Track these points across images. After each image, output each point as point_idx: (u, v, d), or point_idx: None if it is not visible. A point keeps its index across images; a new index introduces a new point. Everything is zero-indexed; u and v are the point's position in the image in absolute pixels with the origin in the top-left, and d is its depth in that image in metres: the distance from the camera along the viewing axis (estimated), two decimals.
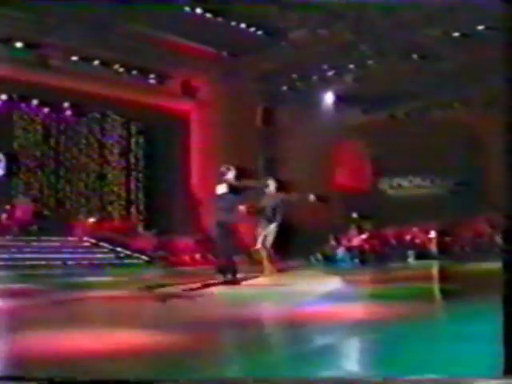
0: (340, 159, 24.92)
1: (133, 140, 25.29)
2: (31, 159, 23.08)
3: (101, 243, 19.80)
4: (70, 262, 17.84)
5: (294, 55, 20.13)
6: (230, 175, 10.23)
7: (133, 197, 25.10)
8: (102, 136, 24.77)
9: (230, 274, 9.31)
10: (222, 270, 9.40)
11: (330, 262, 21.47)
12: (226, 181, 9.70)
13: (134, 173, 25.23)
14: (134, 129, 25.25)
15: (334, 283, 8.32)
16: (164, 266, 19.14)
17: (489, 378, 2.28)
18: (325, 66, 20.51)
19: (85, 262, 18.26)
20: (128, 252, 19.78)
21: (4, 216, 19.54)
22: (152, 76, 21.49)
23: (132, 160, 25.30)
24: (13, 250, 17.66)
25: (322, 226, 22.71)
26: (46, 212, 22.60)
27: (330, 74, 20.83)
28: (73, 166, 24.15)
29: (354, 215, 24.82)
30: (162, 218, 23.40)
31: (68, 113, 23.44)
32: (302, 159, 23.69)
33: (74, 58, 19.17)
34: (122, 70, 20.33)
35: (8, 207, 19.94)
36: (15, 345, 3.80)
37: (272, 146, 24.25)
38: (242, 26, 18.81)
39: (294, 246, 22.31)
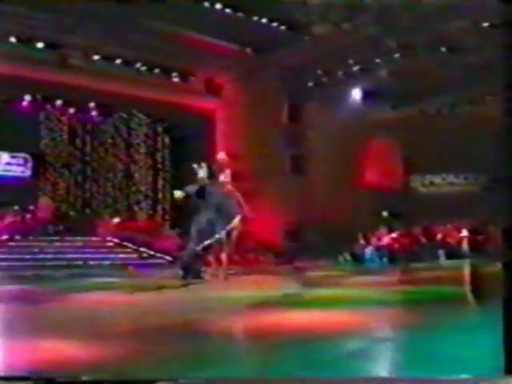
0: (369, 156, 24.28)
1: (159, 139, 25.16)
2: (57, 160, 23.14)
3: (124, 243, 19.65)
4: (91, 262, 17.73)
5: (318, 50, 19.64)
6: (202, 173, 9.69)
7: (160, 196, 24.97)
8: (128, 136, 24.72)
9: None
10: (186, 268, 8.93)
11: (358, 262, 20.96)
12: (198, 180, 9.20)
13: (160, 172, 25.10)
14: (160, 128, 25.12)
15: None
16: None
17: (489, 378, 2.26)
18: (350, 61, 19.93)
19: (107, 262, 18.14)
20: (151, 252, 19.58)
21: (28, 216, 19.55)
22: (175, 74, 21.24)
23: (158, 159, 25.18)
24: (35, 250, 17.63)
25: (351, 225, 22.21)
26: (71, 212, 22.62)
27: (356, 68, 20.25)
28: (99, 165, 24.16)
29: (385, 214, 24.23)
30: (188, 217, 23.13)
31: (94, 113, 23.45)
32: (330, 156, 23.19)
33: (96, 57, 19.00)
34: (144, 68, 20.07)
35: (31, 207, 19.94)
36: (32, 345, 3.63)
37: (298, 144, 23.77)
38: (264, 21, 18.37)
39: (322, 245, 21.93)
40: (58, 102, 21.81)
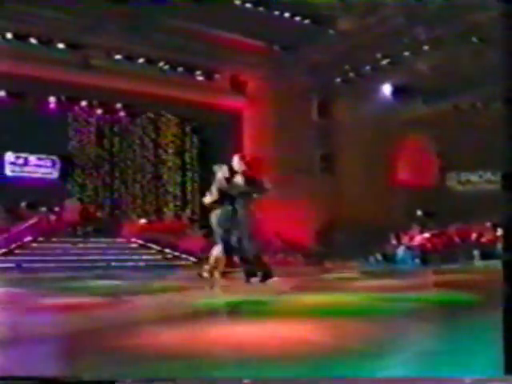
0: (402, 153, 23.54)
1: (187, 139, 24.92)
2: (85, 161, 23.09)
3: (149, 244, 19.42)
4: (114, 264, 17.53)
5: (345, 45, 19.06)
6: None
7: (188, 197, 24.72)
8: (157, 136, 24.54)
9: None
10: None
11: (390, 263, 20.30)
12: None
13: (189, 173, 24.84)
14: (188, 128, 24.87)
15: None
16: None
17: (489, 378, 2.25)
18: (377, 55, 19.26)
19: (130, 264, 17.94)
20: (176, 253, 19.30)
21: (54, 218, 19.50)
22: (201, 73, 20.95)
23: (187, 159, 24.93)
24: (58, 251, 17.54)
25: (383, 225, 21.55)
26: (99, 213, 22.53)
27: (384, 62, 19.56)
28: (128, 166, 24.03)
29: (419, 213, 23.45)
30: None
31: (121, 113, 23.35)
32: (361, 155, 22.58)
33: (118, 57, 18.83)
34: (167, 67, 19.82)
35: (57, 209, 19.90)
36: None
37: (329, 141, 23.22)
38: (287, 15, 17.91)
39: (353, 246, 21.35)
40: (83, 103, 21.67)
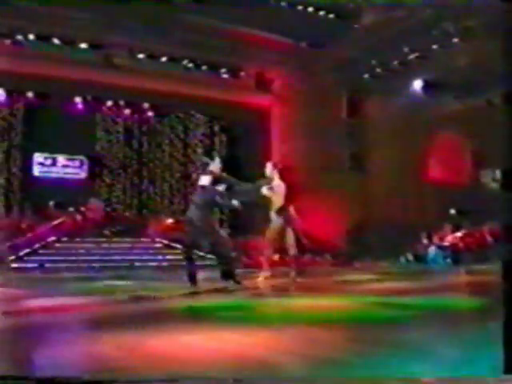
0: (434, 150, 22.85)
1: (216, 139, 24.73)
2: (114, 161, 23.11)
3: (173, 244, 19.25)
4: (137, 264, 17.45)
5: (371, 39, 18.55)
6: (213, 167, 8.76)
7: None
8: (185, 135, 24.42)
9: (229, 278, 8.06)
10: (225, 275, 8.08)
11: (421, 263, 19.75)
12: (211, 172, 8.23)
13: None
14: (216, 127, 24.67)
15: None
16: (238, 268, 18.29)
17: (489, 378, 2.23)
18: (405, 49, 18.68)
19: (153, 264, 17.84)
20: (201, 253, 19.04)
21: (81, 218, 19.52)
22: (225, 71, 20.72)
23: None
24: (81, 251, 17.52)
25: (415, 224, 21.00)
26: (126, 213, 22.54)
27: (412, 57, 18.96)
28: (156, 166, 23.97)
29: (452, 211, 22.75)
30: (243, 217, 22.59)
31: (150, 113, 23.30)
32: (391, 152, 22.01)
33: (141, 56, 18.72)
34: (191, 65, 19.64)
35: (82, 209, 19.91)
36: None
37: (358, 139, 22.73)
38: (311, 9, 17.53)
39: (384, 246, 20.87)
40: (111, 103, 21.68)
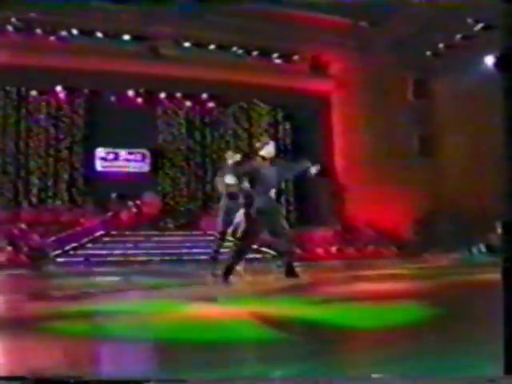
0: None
1: (280, 127, 24.01)
2: (176, 154, 22.97)
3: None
4: (185, 258, 17.16)
5: (430, 13, 17.12)
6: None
7: (282, 187, 23.79)
8: (250, 125, 23.89)
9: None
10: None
11: (494, 254, 18.16)
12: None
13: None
14: (280, 115, 23.93)
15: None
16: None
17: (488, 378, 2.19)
18: (469, 21, 17.05)
19: (204, 257, 17.44)
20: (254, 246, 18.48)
21: (134, 211, 19.52)
22: (278, 56, 19.95)
23: (281, 148, 24.02)
24: (128, 245, 17.46)
25: (488, 212, 19.34)
26: (191, 207, 22.37)
27: (478, 28, 17.27)
28: (220, 158, 23.61)
29: None
30: (303, 208, 21.87)
31: (211, 104, 22.97)
32: (463, 135, 20.38)
33: (187, 45, 18.34)
34: (240, 52, 19.01)
35: (138, 202, 19.89)
36: None
37: (427, 122, 21.23)
38: None
39: (455, 236, 19.47)
40: (165, 95, 21.52)
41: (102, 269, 13.65)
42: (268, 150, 7.03)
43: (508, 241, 2.57)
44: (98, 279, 9.62)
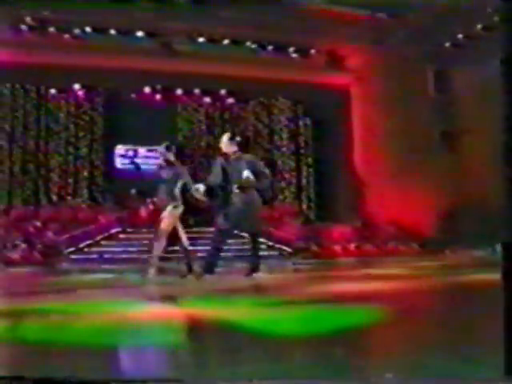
0: None
1: (300, 122, 23.75)
2: (196, 151, 22.91)
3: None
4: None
5: (448, 3, 16.64)
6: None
7: (303, 183, 23.56)
8: (270, 121, 23.68)
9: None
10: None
11: None
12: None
13: (303, 158, 23.67)
14: (300, 110, 23.67)
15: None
16: (307, 258, 17.38)
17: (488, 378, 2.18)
18: (488, 10, 16.49)
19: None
20: (270, 243, 18.30)
21: (150, 208, 19.46)
22: (296, 50, 19.68)
23: (301, 144, 23.78)
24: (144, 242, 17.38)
25: None
26: (208, 203, 22.23)
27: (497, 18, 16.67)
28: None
29: None
30: (324, 205, 21.59)
31: (230, 100, 22.84)
32: (487, 130, 19.77)
33: (201, 40, 18.18)
34: (254, 46, 18.78)
35: (155, 199, 19.82)
36: None
37: (449, 116, 20.71)
38: None
39: (478, 233, 18.94)
40: (183, 92, 21.44)
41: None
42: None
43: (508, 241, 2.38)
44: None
